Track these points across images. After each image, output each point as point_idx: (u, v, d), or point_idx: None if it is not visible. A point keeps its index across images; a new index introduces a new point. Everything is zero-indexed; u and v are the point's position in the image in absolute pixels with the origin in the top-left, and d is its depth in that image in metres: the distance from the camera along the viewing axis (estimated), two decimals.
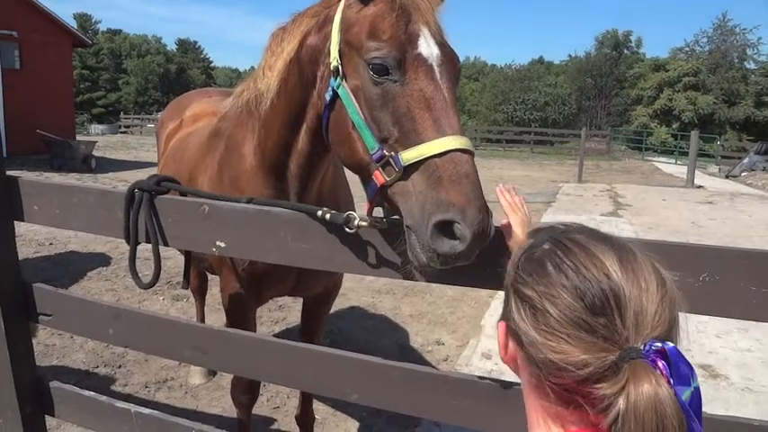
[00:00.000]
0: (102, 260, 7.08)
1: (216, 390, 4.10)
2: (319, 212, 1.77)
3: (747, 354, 5.19)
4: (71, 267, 6.75)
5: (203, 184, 2.52)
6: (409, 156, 1.52)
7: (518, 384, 1.76)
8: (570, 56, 64.95)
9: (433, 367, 4.62)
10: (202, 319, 4.67)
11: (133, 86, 69.64)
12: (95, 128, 42.76)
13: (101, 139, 25.69)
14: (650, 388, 0.75)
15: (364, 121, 1.63)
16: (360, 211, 1.75)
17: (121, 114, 52.32)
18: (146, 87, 70.25)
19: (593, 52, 61.83)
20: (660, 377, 0.76)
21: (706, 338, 5.35)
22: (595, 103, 59.92)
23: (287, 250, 1.91)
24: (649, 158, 33.12)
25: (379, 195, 1.64)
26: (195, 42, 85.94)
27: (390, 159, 1.55)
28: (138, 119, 49.84)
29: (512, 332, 0.94)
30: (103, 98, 65.72)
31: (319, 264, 2.01)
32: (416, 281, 1.70)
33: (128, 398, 3.78)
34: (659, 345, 0.79)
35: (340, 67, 1.70)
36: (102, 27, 78.19)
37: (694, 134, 19.52)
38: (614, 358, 0.80)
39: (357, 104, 1.65)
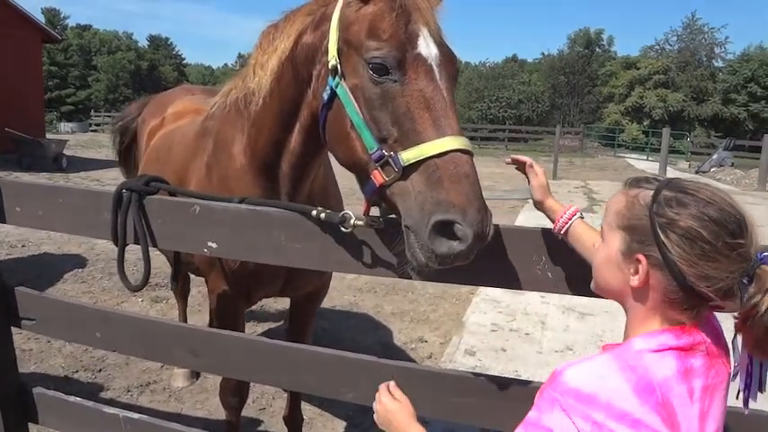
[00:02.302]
0: (78, 261, 6.94)
1: (200, 392, 4.05)
2: (314, 212, 1.76)
3: None
4: (46, 269, 6.60)
5: (192, 186, 2.48)
6: (409, 156, 1.51)
7: (510, 380, 1.78)
8: (543, 54, 65.61)
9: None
10: (184, 321, 4.60)
11: (103, 83, 68.30)
12: (65, 126, 41.79)
13: (71, 138, 25.21)
14: None
15: (363, 120, 1.62)
16: (354, 210, 1.74)
17: (92, 112, 51.26)
18: (116, 84, 68.94)
19: (565, 50, 62.57)
20: None
21: None
22: (568, 101, 60.68)
23: (281, 250, 1.89)
24: (622, 155, 33.66)
25: (377, 195, 1.63)
26: (167, 39, 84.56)
27: (390, 159, 1.54)
28: (110, 116, 48.81)
29: (656, 261, 1.13)
30: (73, 95, 64.31)
31: (314, 264, 1.99)
32: (413, 280, 1.70)
33: (110, 402, 3.70)
34: (766, 253, 1.10)
35: (339, 66, 1.69)
36: (71, 22, 76.45)
37: (666, 131, 19.91)
38: (746, 267, 1.08)
39: (356, 104, 1.64)
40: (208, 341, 2.10)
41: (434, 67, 1.59)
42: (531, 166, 1.66)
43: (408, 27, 1.59)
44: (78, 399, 2.38)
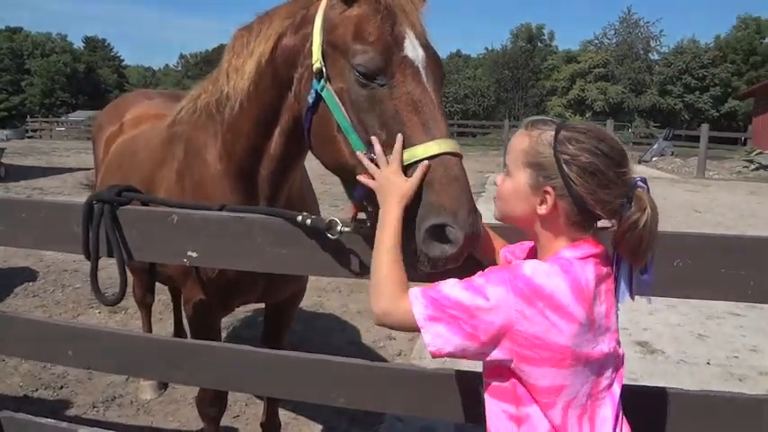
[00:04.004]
0: (27, 275, 6.63)
1: (170, 403, 3.94)
2: (299, 218, 1.74)
3: (678, 328, 5.53)
4: None
5: (161, 194, 2.40)
6: None
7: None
8: (487, 49, 66.75)
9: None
10: (149, 331, 4.47)
11: (38, 88, 65.51)
12: None
13: (7, 145, 24.03)
14: (651, 200, 1.32)
15: (350, 123, 1.60)
16: (337, 214, 1.73)
17: (27, 118, 49.10)
18: (52, 89, 66.27)
19: (508, 45, 63.75)
20: (648, 192, 1.33)
21: (640, 316, 5.65)
22: (513, 95, 61.92)
23: (264, 257, 1.86)
24: None
25: (365, 198, 1.62)
26: (104, 40, 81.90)
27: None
28: (47, 122, 47.03)
29: (561, 192, 1.32)
30: (5, 101, 61.49)
31: (299, 269, 1.97)
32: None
33: (76, 420, 3.57)
34: (638, 177, 1.34)
35: (324, 69, 1.67)
36: None
37: (610, 123, 20.60)
38: (627, 191, 1.31)
39: (342, 107, 1.62)
40: (191, 353, 2.04)
41: (421, 70, 1.59)
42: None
43: (394, 29, 1.59)
44: (51, 420, 2.28)
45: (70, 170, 17.70)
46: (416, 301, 1.33)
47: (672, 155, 24.56)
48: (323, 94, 1.66)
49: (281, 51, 1.87)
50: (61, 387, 4.08)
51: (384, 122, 1.56)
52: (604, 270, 1.36)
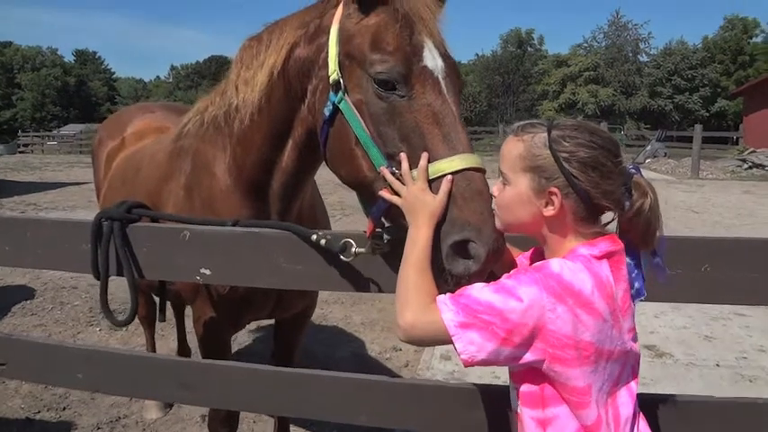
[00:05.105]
0: (25, 293, 6.53)
1: (176, 422, 3.86)
2: (314, 236, 1.69)
3: (684, 330, 5.50)
4: None
5: (168, 210, 2.34)
6: None
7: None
8: (477, 55, 67.05)
9: (396, 375, 4.59)
10: (153, 349, 4.40)
11: (29, 102, 65.27)
12: None
13: None
14: (649, 184, 1.36)
15: (370, 136, 1.55)
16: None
17: (19, 132, 48.83)
18: (43, 102, 66.05)
19: (499, 51, 64.06)
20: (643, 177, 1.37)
21: (646, 320, 5.62)
22: (504, 100, 62.15)
23: (281, 273, 1.81)
24: None
25: (384, 214, 1.57)
26: (95, 53, 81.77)
27: (401, 177, 1.49)
28: (39, 136, 46.79)
29: (565, 190, 1.31)
30: None
31: (315, 284, 1.93)
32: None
33: None
34: (630, 165, 1.37)
35: (341, 81, 1.61)
36: None
37: (604, 125, 20.58)
38: (626, 179, 1.33)
39: (361, 119, 1.57)
40: (203, 373, 1.98)
41: (441, 80, 1.54)
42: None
43: (413, 39, 1.54)
44: None
45: (63, 185, 17.59)
46: (445, 307, 1.28)
47: (665, 156, 24.64)
48: (341, 106, 1.61)
49: (294, 62, 1.82)
50: (64, 408, 3.99)
51: (405, 136, 1.51)
52: (623, 268, 1.35)
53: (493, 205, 1.44)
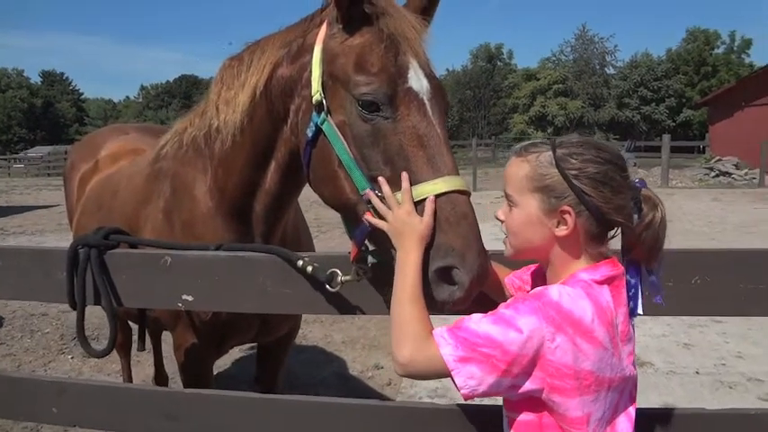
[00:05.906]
0: None
1: None
2: (300, 262, 1.64)
3: (663, 339, 5.55)
4: None
5: (147, 235, 2.27)
6: None
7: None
8: (448, 70, 67.76)
9: (380, 394, 4.53)
10: (129, 377, 4.27)
11: None
12: None
13: None
14: (657, 197, 1.34)
15: (353, 159, 1.52)
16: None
17: None
18: (8, 125, 64.75)
19: (469, 66, 64.89)
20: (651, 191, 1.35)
21: None
22: (476, 114, 62.91)
23: (267, 297, 1.77)
24: None
25: (367, 238, 1.54)
26: (62, 74, 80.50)
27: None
28: (5, 159, 45.82)
29: (578, 208, 1.28)
30: None
31: (302, 308, 1.88)
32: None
33: None
34: (636, 179, 1.35)
35: (324, 101, 1.58)
36: None
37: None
38: (634, 193, 1.31)
39: (344, 141, 1.53)
40: (189, 403, 1.91)
41: (426, 102, 1.51)
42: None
43: (398, 59, 1.51)
44: None
45: (30, 208, 17.19)
46: (443, 341, 1.24)
47: (635, 166, 25.13)
48: (323, 127, 1.57)
49: (277, 82, 1.79)
50: None
51: (389, 158, 1.48)
52: (623, 292, 1.32)
53: (503, 229, 1.41)
